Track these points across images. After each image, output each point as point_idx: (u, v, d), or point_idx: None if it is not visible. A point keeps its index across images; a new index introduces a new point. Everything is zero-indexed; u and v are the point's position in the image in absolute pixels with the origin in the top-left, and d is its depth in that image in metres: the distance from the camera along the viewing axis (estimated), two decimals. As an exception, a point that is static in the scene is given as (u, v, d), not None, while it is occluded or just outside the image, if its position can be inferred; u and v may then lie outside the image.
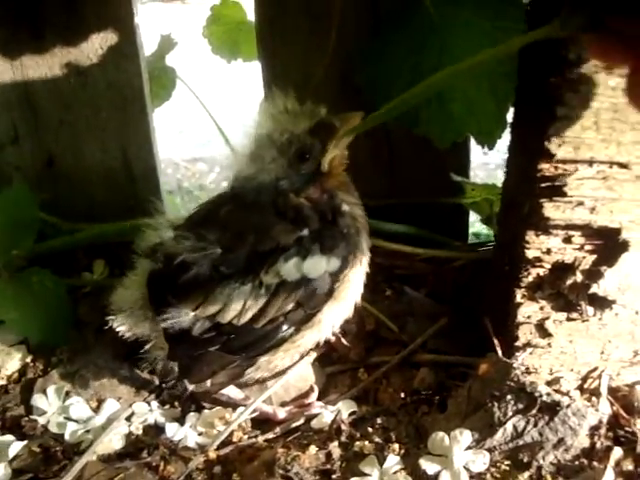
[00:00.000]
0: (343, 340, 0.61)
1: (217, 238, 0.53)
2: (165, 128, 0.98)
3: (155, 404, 0.59)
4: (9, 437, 0.55)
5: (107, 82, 0.72)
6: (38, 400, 0.58)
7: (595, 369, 0.56)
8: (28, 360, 0.62)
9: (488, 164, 1.59)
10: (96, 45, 0.71)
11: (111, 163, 0.75)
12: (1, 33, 0.68)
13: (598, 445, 0.51)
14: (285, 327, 0.53)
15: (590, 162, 0.51)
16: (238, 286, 0.52)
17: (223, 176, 1.80)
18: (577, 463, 0.50)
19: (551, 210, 0.52)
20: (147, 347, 0.56)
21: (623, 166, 0.51)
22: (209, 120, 0.81)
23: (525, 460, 0.50)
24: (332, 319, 0.55)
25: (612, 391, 0.55)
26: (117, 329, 0.56)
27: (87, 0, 0.69)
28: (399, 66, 0.66)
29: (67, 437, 0.55)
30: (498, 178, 0.68)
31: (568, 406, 0.51)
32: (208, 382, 0.57)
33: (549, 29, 0.41)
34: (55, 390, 0.59)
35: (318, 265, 0.53)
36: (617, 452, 0.50)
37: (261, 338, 0.53)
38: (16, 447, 0.54)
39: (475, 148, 0.69)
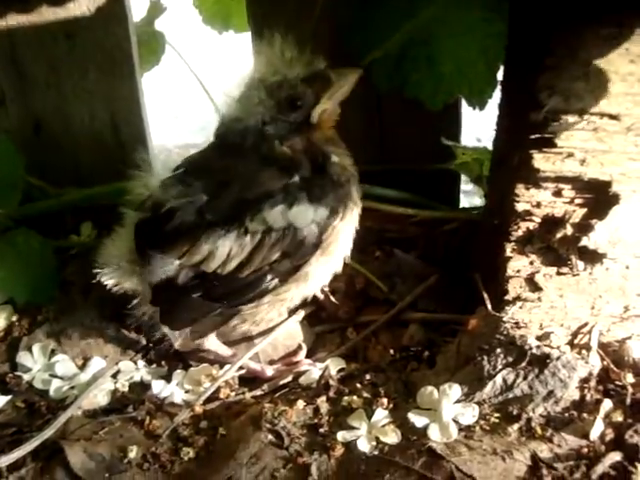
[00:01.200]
0: (332, 298, 0.61)
1: (203, 185, 0.52)
2: (159, 113, 0.97)
3: (141, 363, 0.59)
4: (-7, 392, 0.54)
5: (95, 45, 0.71)
6: (23, 357, 0.58)
7: (585, 324, 0.55)
8: (14, 319, 0.62)
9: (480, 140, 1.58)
10: (84, 7, 0.70)
11: (99, 127, 0.74)
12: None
13: (588, 397, 0.50)
14: (269, 277, 0.53)
15: (580, 113, 0.51)
16: (223, 233, 0.51)
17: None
18: (567, 415, 0.49)
19: (541, 161, 0.51)
20: (135, 302, 0.55)
21: (613, 117, 0.51)
22: (203, 106, 0.80)
23: (515, 412, 0.49)
24: (320, 273, 0.55)
25: (602, 346, 0.55)
26: (105, 283, 0.55)
27: (74, -40, 0.68)
28: (390, 32, 0.66)
29: (52, 393, 0.55)
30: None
31: (558, 358, 0.50)
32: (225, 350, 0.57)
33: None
34: (40, 347, 0.58)
35: (305, 214, 0.52)
36: (607, 404, 0.50)
37: (244, 287, 0.53)
38: (0, 402, 0.53)
39: (469, 134, 0.69)
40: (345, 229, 0.54)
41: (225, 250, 0.51)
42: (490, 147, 0.64)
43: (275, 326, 0.59)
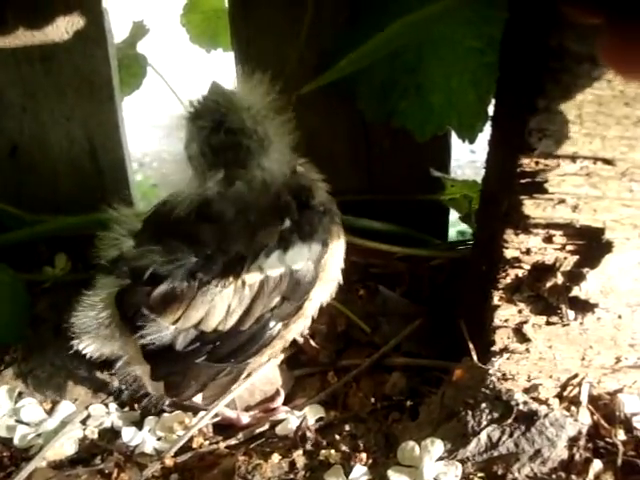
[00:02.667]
0: (312, 342, 0.58)
1: (189, 246, 0.49)
2: (149, 121, 0.95)
3: (113, 406, 0.57)
4: (-46, 441, 0.52)
5: (73, 68, 0.68)
6: (-12, 401, 0.55)
7: (575, 376, 0.53)
8: (-20, 358, 0.59)
9: (475, 162, 1.57)
10: (62, 29, 0.67)
11: (77, 153, 0.71)
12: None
13: (577, 457, 0.48)
14: (272, 324, 0.50)
15: (573, 157, 0.48)
16: (220, 290, 0.48)
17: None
18: (554, 476, 0.47)
19: (531, 208, 0.49)
20: (119, 365, 0.53)
21: (608, 162, 0.48)
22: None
23: (500, 472, 0.47)
24: (318, 301, 0.52)
25: (593, 399, 0.53)
26: (83, 351, 0.52)
27: (52, -19, 0.66)
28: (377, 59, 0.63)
29: (16, 441, 0.53)
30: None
31: (546, 416, 0.48)
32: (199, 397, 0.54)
33: None
34: (7, 391, 0.56)
35: (300, 254, 0.50)
36: (597, 465, 0.47)
37: (249, 340, 0.50)
38: (-39, 451, 0.51)
39: (463, 146, 0.66)
40: (336, 253, 0.52)
41: (224, 306, 0.48)
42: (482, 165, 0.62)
43: (252, 371, 0.56)
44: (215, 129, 0.49)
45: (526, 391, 0.52)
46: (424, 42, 0.63)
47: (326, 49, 0.65)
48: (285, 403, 0.56)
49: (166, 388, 0.51)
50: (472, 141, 0.63)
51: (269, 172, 0.50)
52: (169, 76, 0.78)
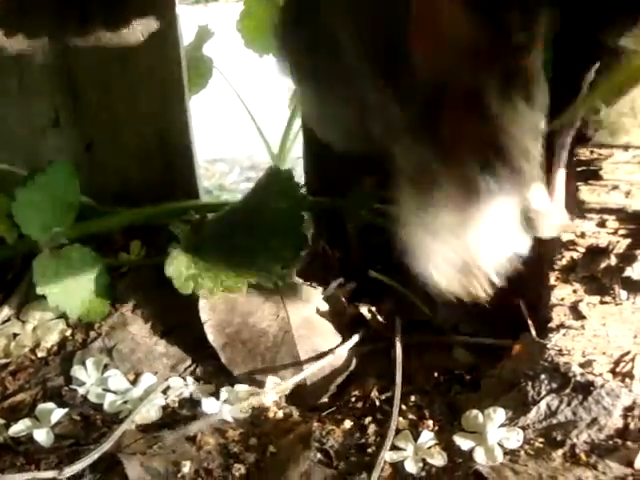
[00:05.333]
0: (379, 317, 0.62)
1: None
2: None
3: (190, 379, 0.61)
4: (50, 405, 0.56)
5: (147, 68, 0.73)
6: (77, 371, 0.59)
7: (628, 352, 0.56)
8: (67, 334, 0.64)
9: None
10: (138, 32, 0.72)
11: (148, 147, 0.76)
12: (51, 18, 0.70)
13: (632, 426, 0.51)
14: None
15: (626, 147, 0.52)
16: None
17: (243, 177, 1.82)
18: (611, 443, 0.50)
19: (587, 193, 0.53)
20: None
21: (659, 151, 0.52)
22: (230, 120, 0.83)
23: (559, 438, 0.51)
24: None
25: (644, 375, 0.56)
26: None
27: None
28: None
29: (106, 407, 0.57)
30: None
31: (602, 386, 0.51)
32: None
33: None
34: (94, 362, 0.60)
35: None
36: (650, 433, 0.51)
37: None
38: (58, 414, 0.55)
39: None
40: None
41: None
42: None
43: (325, 353, 0.60)
44: None
45: (581, 366, 0.55)
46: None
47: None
48: (352, 378, 0.60)
49: None
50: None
51: None
52: (231, 76, 0.84)
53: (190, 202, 0.71)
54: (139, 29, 0.72)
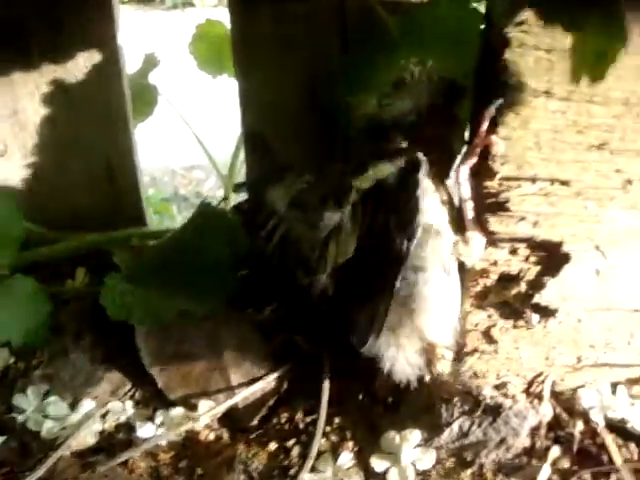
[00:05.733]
0: (308, 344, 0.65)
1: None
2: (162, 136, 1.01)
3: (129, 403, 0.63)
4: (-11, 433, 0.59)
5: (91, 98, 0.76)
6: (18, 399, 0.62)
7: (540, 374, 0.59)
8: (11, 361, 0.66)
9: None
10: (81, 64, 0.75)
11: (95, 175, 0.78)
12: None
13: (538, 445, 0.54)
14: None
15: (532, 179, 0.55)
16: None
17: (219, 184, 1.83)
18: (517, 461, 0.53)
19: (496, 224, 0.55)
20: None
21: (564, 183, 0.55)
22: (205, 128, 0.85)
23: (469, 458, 0.54)
24: None
25: (556, 395, 0.59)
26: None
27: (73, 21, 0.73)
28: (367, 85, 0.70)
29: (44, 433, 0.59)
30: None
31: (510, 408, 0.54)
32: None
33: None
34: (34, 390, 0.62)
35: None
36: (555, 451, 0.54)
37: None
38: (-5, 442, 0.57)
39: None
40: None
41: None
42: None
43: (258, 378, 0.62)
44: None
45: (496, 388, 0.58)
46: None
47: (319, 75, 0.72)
48: (283, 399, 0.62)
49: None
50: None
51: None
52: (178, 99, 0.86)
53: (134, 230, 0.73)
54: (82, 61, 0.74)
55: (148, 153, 0.92)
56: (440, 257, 0.54)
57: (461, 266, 0.56)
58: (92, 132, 0.77)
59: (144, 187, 0.82)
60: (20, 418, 0.60)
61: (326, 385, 0.61)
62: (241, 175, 0.99)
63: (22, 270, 0.69)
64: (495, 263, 0.57)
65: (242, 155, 0.92)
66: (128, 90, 0.77)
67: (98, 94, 0.75)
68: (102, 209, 0.79)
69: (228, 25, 0.88)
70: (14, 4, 0.72)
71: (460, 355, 0.58)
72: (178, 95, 0.93)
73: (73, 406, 0.62)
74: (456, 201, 0.56)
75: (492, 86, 0.55)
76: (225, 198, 0.85)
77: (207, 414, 0.60)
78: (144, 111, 0.84)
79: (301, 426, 0.58)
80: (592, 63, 0.37)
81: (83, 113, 0.76)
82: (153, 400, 0.63)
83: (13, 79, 0.75)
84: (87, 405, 0.62)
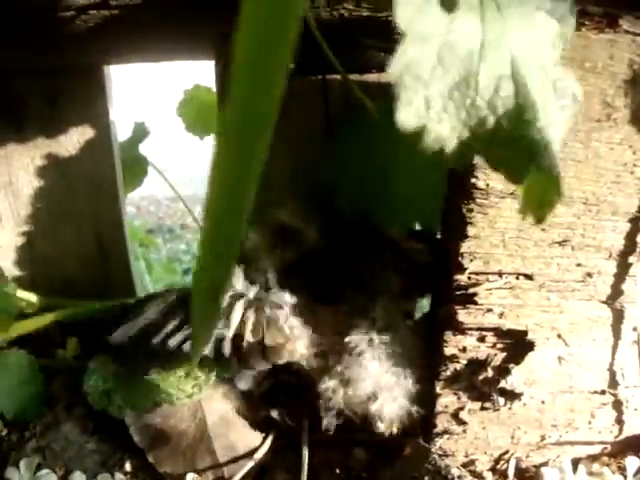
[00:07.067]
0: (287, 420, 0.68)
1: None
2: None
3: (118, 475, 0.66)
4: (-18, 509, 0.61)
5: (83, 173, 0.79)
6: (11, 473, 0.64)
7: (506, 452, 0.63)
8: (3, 434, 0.69)
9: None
10: (74, 139, 0.78)
11: (85, 244, 0.82)
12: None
13: (501, 522, 0.58)
14: None
15: (499, 274, 0.59)
16: None
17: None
18: (482, 539, 0.57)
19: (464, 315, 0.59)
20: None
21: (528, 277, 0.59)
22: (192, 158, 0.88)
23: (437, 536, 0.57)
24: None
25: (521, 472, 0.63)
26: None
27: (68, 98, 0.76)
28: (351, 166, 0.74)
29: (36, 508, 0.62)
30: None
31: (476, 487, 0.58)
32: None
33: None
34: (26, 463, 0.65)
35: None
36: (519, 530, 0.57)
37: None
38: (-12, 519, 0.60)
39: None
40: None
41: None
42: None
43: (245, 455, 0.66)
44: None
45: (464, 465, 0.62)
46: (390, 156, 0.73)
47: (303, 157, 0.76)
48: (265, 469, 0.66)
49: None
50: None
51: None
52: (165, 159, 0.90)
53: (124, 300, 0.76)
54: (75, 137, 0.78)
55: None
56: None
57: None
58: (84, 204, 0.80)
59: (132, 256, 0.85)
60: (13, 492, 0.63)
61: (305, 458, 0.64)
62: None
63: (14, 340, 0.72)
64: (464, 349, 0.61)
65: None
66: (119, 164, 0.80)
67: (90, 168, 0.79)
68: (92, 277, 0.82)
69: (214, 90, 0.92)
70: (12, 82, 0.75)
71: (431, 435, 0.62)
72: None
73: (64, 478, 0.65)
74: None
75: (462, 189, 0.59)
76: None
77: (194, 489, 0.63)
78: (134, 181, 0.87)
79: (282, 502, 0.62)
80: (536, 208, 0.41)
81: (75, 185, 0.79)
82: (143, 471, 0.66)
83: (9, 151, 0.78)
84: (78, 477, 0.65)
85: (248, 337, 0.59)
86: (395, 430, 0.60)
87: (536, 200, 0.41)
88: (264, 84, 0.20)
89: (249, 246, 0.64)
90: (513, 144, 0.41)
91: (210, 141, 1.05)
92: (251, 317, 0.60)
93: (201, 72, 0.96)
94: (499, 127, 0.41)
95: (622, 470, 0.63)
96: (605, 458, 0.65)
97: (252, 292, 0.62)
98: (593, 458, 0.65)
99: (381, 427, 0.60)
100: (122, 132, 0.87)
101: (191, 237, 2.25)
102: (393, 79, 0.38)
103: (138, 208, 2.35)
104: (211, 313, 0.26)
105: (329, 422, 0.61)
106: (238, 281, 0.62)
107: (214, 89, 0.98)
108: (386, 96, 0.74)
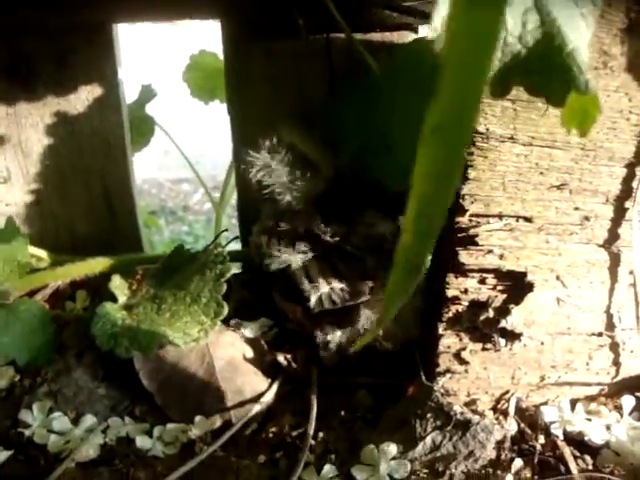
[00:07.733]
0: (293, 364, 0.70)
1: None
2: (151, 148, 1.07)
3: (128, 419, 0.68)
4: (-3, 447, 0.63)
5: (92, 130, 0.81)
6: (24, 415, 0.66)
7: (507, 392, 0.65)
8: (16, 380, 0.71)
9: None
10: (83, 97, 0.80)
11: (94, 202, 0.83)
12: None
13: (503, 457, 0.59)
14: None
15: (499, 216, 0.61)
16: None
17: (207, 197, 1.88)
18: (483, 472, 0.58)
19: (465, 257, 0.61)
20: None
21: (527, 220, 0.61)
22: (194, 140, 0.90)
23: (440, 469, 0.59)
24: None
25: (521, 411, 0.64)
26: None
27: (77, 57, 0.78)
28: (353, 122, 0.75)
29: (49, 447, 0.64)
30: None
31: (478, 423, 0.60)
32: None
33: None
34: (39, 406, 0.67)
35: None
36: (518, 462, 0.59)
37: None
38: (3, 456, 0.62)
39: None
40: None
41: None
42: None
43: (253, 399, 0.68)
44: None
45: (466, 404, 0.64)
46: (391, 112, 0.75)
47: (308, 112, 0.78)
48: (272, 414, 0.68)
49: None
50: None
51: None
52: (171, 121, 0.91)
53: (131, 256, 0.78)
54: (84, 95, 0.79)
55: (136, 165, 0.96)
56: None
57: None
58: (92, 161, 0.82)
59: (140, 215, 0.87)
60: (27, 433, 0.65)
61: (314, 402, 0.66)
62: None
63: (25, 293, 0.73)
64: (466, 291, 0.63)
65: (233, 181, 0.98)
66: (127, 122, 0.82)
67: (99, 125, 0.80)
68: (101, 233, 0.84)
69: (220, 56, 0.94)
70: (21, 42, 0.77)
71: (433, 375, 0.64)
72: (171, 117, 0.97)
73: (76, 421, 0.67)
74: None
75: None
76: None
77: (202, 428, 0.65)
78: (141, 141, 0.89)
79: (288, 440, 0.63)
80: (578, 124, 0.45)
81: (84, 143, 0.81)
82: (151, 415, 0.68)
83: (18, 110, 0.80)
84: (89, 420, 0.67)
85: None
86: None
87: (578, 117, 0.44)
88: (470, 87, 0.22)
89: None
90: (548, 71, 0.44)
91: (215, 107, 1.06)
92: None
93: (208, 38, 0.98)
94: (532, 58, 0.44)
95: (618, 409, 0.65)
96: (602, 398, 0.66)
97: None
98: (591, 399, 0.66)
99: None
100: (129, 95, 0.88)
101: (193, 219, 2.26)
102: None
103: (140, 190, 2.37)
104: (406, 288, 0.28)
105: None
106: None
107: (220, 55, 1.01)
108: (389, 55, 0.76)
